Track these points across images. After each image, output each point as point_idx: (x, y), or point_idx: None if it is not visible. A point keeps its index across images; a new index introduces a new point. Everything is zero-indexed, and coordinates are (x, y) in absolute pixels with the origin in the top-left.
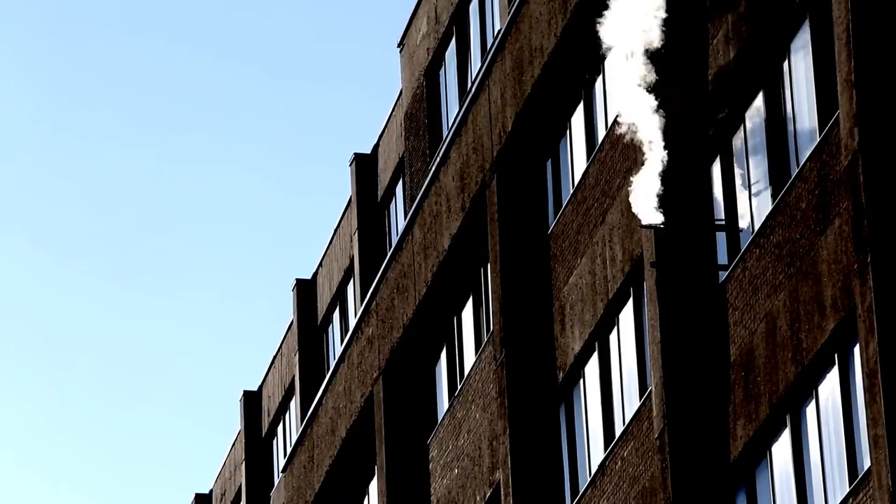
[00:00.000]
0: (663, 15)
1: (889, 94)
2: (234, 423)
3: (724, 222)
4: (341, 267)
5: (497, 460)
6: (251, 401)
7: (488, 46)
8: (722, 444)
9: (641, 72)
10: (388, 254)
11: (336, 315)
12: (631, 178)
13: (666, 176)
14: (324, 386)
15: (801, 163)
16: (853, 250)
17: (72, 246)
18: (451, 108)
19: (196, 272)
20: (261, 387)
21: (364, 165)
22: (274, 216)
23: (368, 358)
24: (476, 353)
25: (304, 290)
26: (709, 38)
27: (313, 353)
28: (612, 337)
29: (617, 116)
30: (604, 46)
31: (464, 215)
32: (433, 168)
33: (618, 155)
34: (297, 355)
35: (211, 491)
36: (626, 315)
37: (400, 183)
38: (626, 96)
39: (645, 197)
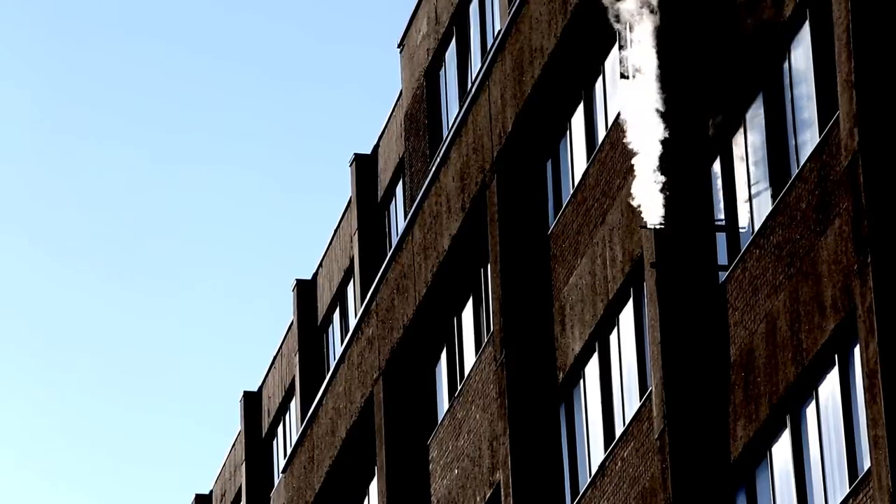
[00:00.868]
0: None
1: (889, 94)
2: (234, 423)
3: (724, 222)
4: (341, 267)
5: (497, 461)
6: (251, 401)
7: (488, 47)
8: (722, 444)
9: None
10: (388, 254)
11: (336, 315)
12: (631, 179)
13: (666, 176)
14: (324, 386)
15: (802, 163)
16: (853, 250)
17: (72, 246)
18: (452, 109)
19: (196, 272)
20: (261, 387)
21: (364, 166)
22: (274, 216)
23: (368, 358)
24: (476, 353)
25: (305, 291)
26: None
27: (313, 354)
28: (613, 337)
29: (617, 116)
30: (615, 27)
31: (464, 216)
32: (433, 168)
33: (618, 155)
34: (298, 356)
35: (211, 491)
36: (627, 315)
37: (400, 183)
38: (626, 96)
39: (645, 197)
